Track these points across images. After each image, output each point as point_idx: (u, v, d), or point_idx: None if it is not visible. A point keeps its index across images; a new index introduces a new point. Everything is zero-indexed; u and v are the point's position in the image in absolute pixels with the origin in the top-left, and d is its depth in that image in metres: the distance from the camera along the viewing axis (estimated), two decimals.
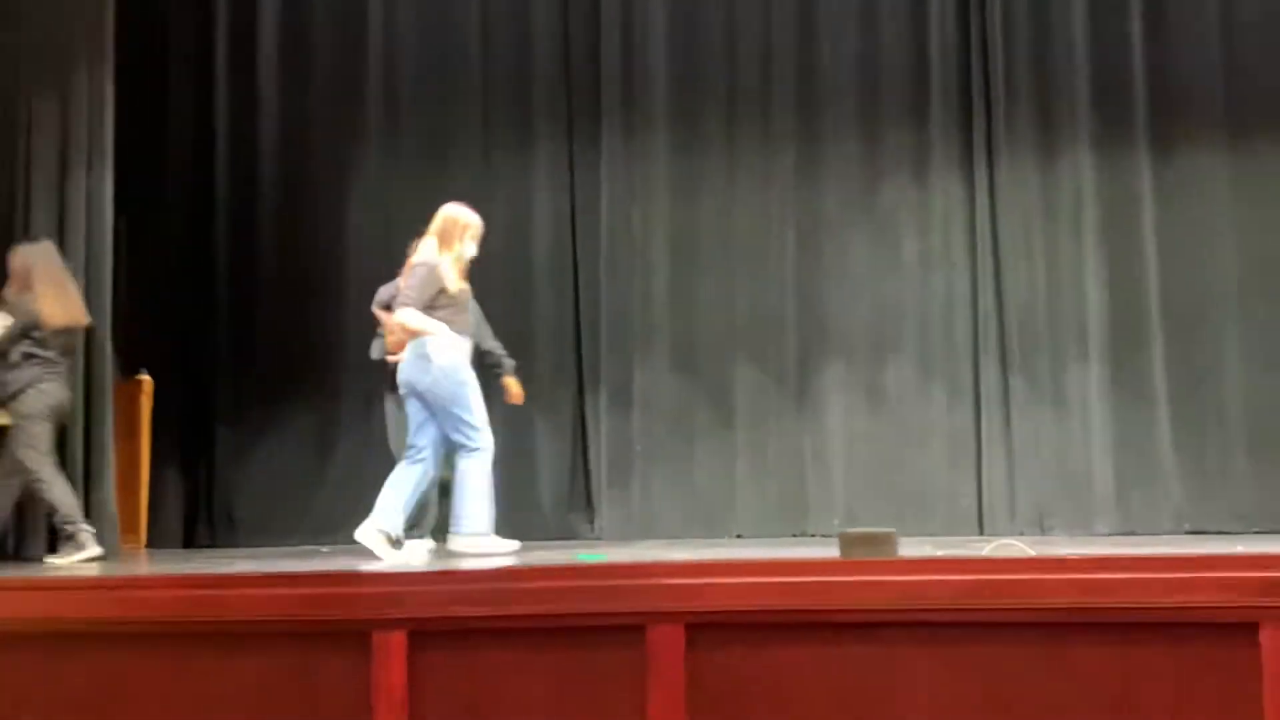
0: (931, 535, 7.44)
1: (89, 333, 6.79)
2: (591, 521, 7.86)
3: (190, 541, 7.87)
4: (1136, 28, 7.82)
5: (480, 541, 6.02)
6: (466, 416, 5.96)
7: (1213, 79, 7.79)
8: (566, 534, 7.68)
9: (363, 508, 7.66)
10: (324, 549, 7.13)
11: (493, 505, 6.08)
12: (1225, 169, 7.74)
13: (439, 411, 5.98)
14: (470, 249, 6.18)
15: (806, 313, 7.98)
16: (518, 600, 4.22)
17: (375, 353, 6.74)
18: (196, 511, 7.96)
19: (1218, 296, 7.68)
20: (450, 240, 6.13)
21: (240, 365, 8.02)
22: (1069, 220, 7.84)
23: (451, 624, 4.20)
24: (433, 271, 6.02)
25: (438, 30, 8.20)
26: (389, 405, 6.71)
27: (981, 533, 7.60)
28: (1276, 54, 7.73)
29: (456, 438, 6.00)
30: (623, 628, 4.18)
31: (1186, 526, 7.46)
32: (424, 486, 6.13)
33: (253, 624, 4.25)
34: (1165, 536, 7.31)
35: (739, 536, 7.72)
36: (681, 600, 4.20)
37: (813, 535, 7.65)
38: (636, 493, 7.88)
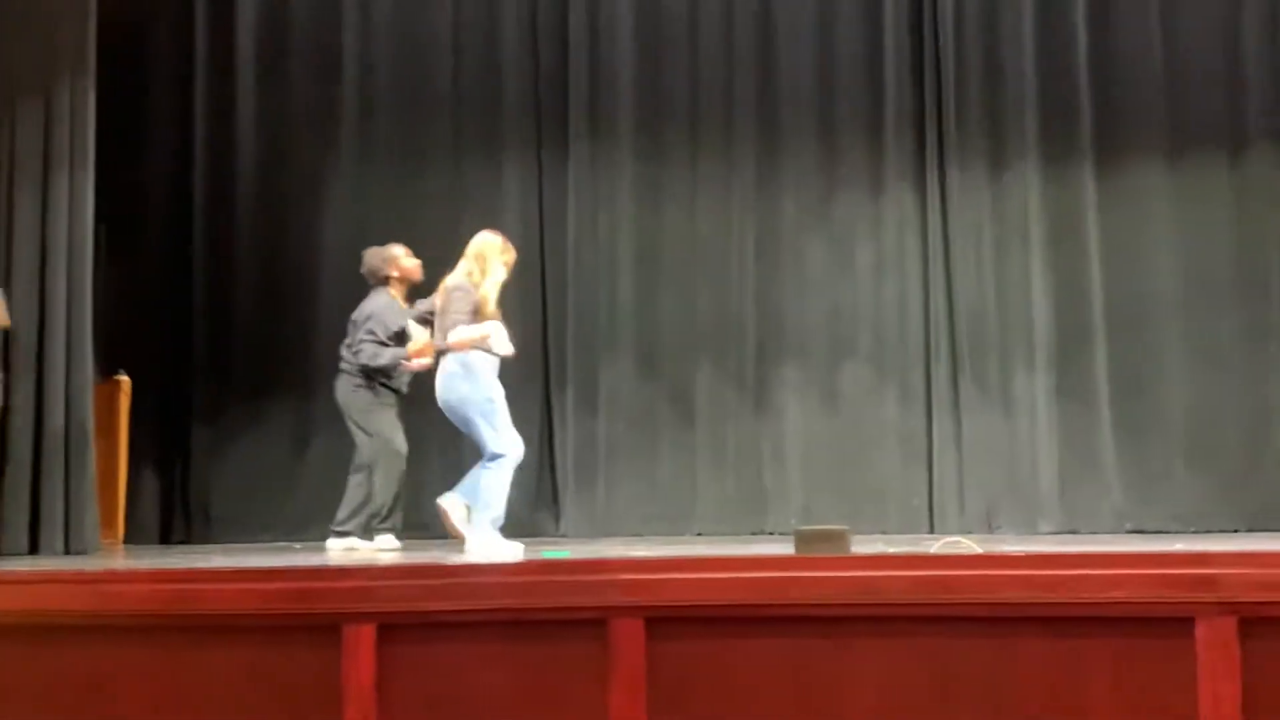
0: (884, 533, 7.50)
1: (70, 335, 6.76)
2: (557, 519, 7.87)
3: (167, 538, 7.83)
4: (1082, 47, 7.88)
5: (485, 543, 6.02)
6: (489, 429, 6.02)
7: (1154, 96, 7.85)
8: (534, 532, 7.68)
9: (338, 504, 7.69)
10: (297, 545, 7.12)
11: (502, 510, 6.09)
12: (1165, 182, 7.81)
13: (464, 420, 6.06)
14: (504, 273, 6.28)
15: (765, 317, 8.00)
16: (483, 595, 4.22)
17: (385, 359, 6.66)
18: (173, 508, 7.91)
19: (1158, 304, 7.74)
20: (489, 264, 6.22)
21: (217, 366, 7.98)
22: (1017, 230, 7.90)
23: (419, 618, 4.19)
24: (477, 295, 6.13)
25: (411, 42, 8.19)
26: (384, 413, 6.63)
27: (932, 530, 7.64)
28: (1214, 74, 7.81)
29: (481, 444, 6.08)
30: (585, 621, 4.18)
31: (1127, 526, 7.51)
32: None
33: (226, 618, 4.23)
34: (1107, 535, 7.36)
35: (699, 534, 7.73)
36: (642, 595, 4.20)
37: (771, 533, 7.67)
38: (601, 491, 7.89)
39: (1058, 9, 7.92)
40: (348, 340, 6.72)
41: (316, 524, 7.66)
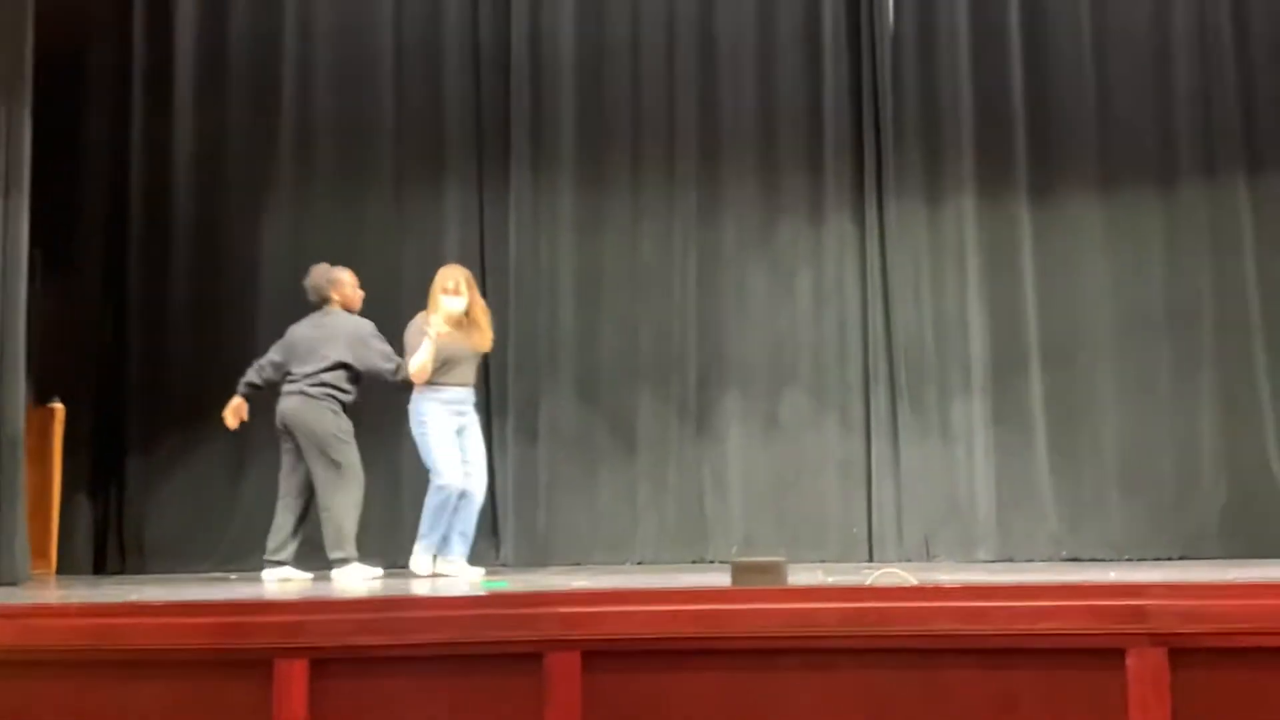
0: (824, 561, 7.52)
1: (2, 360, 6.64)
2: (497, 548, 7.81)
3: (100, 568, 7.70)
4: (1018, 81, 7.97)
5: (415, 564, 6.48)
6: (425, 457, 6.53)
7: (1087, 130, 7.95)
8: (473, 561, 7.59)
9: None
10: (232, 576, 7.04)
11: (435, 537, 6.58)
12: (1099, 214, 7.90)
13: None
14: (446, 303, 6.67)
15: (706, 345, 8.01)
16: (418, 629, 4.18)
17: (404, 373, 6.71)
18: (107, 538, 7.79)
19: (1092, 334, 7.83)
20: (432, 299, 6.72)
21: (152, 393, 7.88)
22: (954, 259, 7.97)
23: (353, 652, 4.15)
24: (428, 330, 6.55)
25: (351, 68, 8.15)
26: (352, 441, 6.64)
27: (871, 558, 7.66)
28: (1145, 108, 7.93)
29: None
30: (521, 655, 4.16)
31: (1063, 553, 7.57)
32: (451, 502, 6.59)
33: (155, 653, 4.16)
34: (1042, 563, 7.42)
35: (640, 563, 7.71)
36: (578, 628, 4.19)
37: (711, 561, 7.66)
38: (541, 519, 7.85)
39: (994, 44, 8.02)
40: (310, 369, 6.57)
41: (254, 554, 7.55)
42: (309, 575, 6.52)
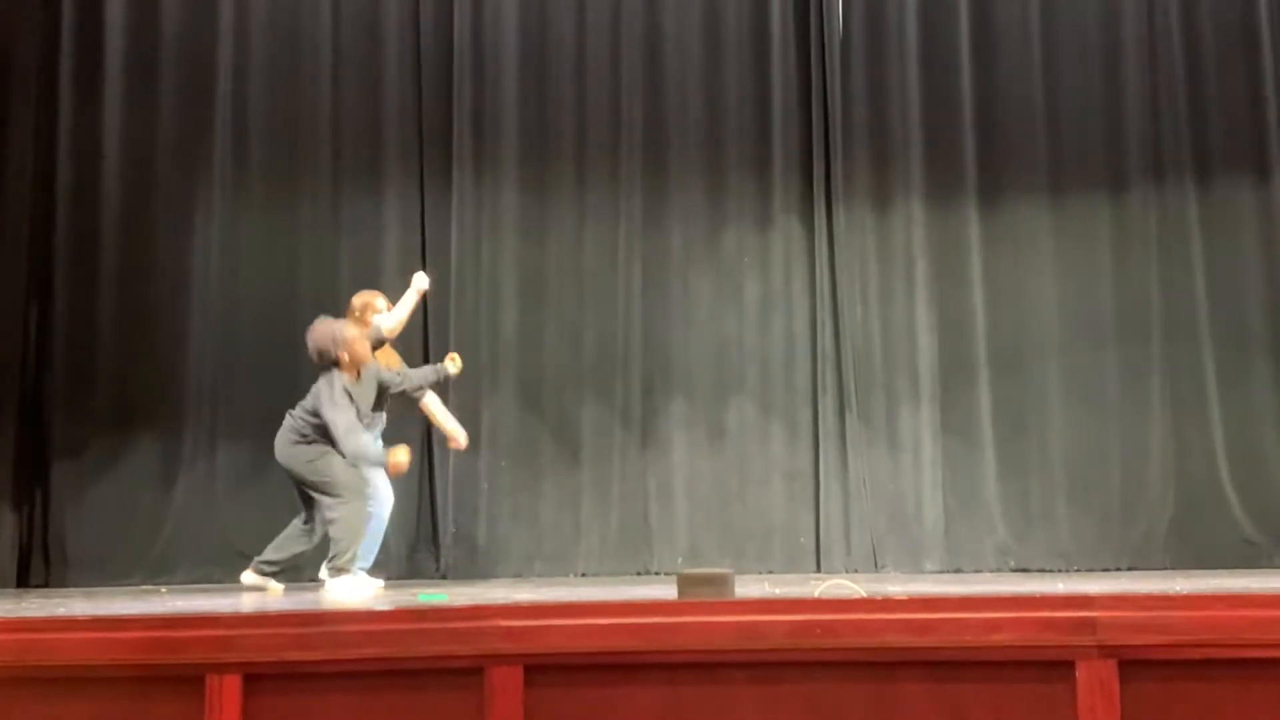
0: (771, 572, 7.56)
1: None
2: (438, 560, 7.76)
3: (25, 581, 7.57)
4: (966, 87, 8.05)
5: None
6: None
7: (1037, 135, 8.04)
8: (413, 573, 7.59)
9: (205, 545, 7.54)
10: (163, 589, 6.96)
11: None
12: (1047, 220, 7.98)
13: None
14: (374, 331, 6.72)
15: (651, 352, 8.02)
16: (354, 643, 4.13)
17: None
18: (31, 550, 7.65)
19: (1041, 342, 7.91)
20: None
21: (79, 400, 7.76)
22: (902, 265, 8.02)
23: (287, 668, 4.09)
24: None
25: (288, 65, 8.08)
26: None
27: (819, 569, 7.69)
28: (1094, 113, 8.02)
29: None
30: (461, 670, 4.11)
31: (1011, 564, 7.64)
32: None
33: (81, 669, 4.08)
34: (990, 574, 7.49)
35: (584, 574, 7.70)
36: (520, 642, 4.15)
37: (657, 573, 7.67)
38: (483, 530, 7.81)
39: (942, 48, 8.09)
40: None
41: (184, 566, 7.54)
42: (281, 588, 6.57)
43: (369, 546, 6.72)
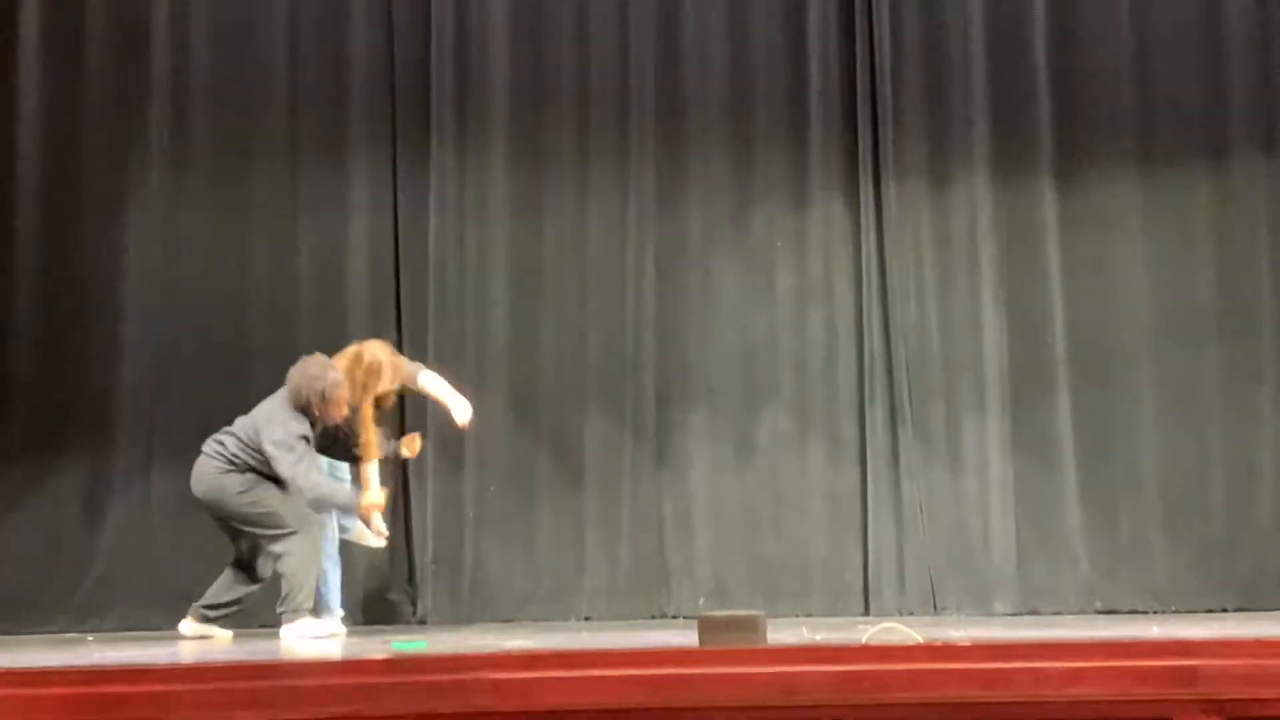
0: (810, 615, 7.58)
1: None
2: (414, 602, 7.77)
3: None
4: (1040, 36, 8.03)
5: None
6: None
7: (1125, 96, 8.01)
8: (384, 618, 7.59)
9: (140, 586, 7.54)
10: (90, 638, 6.97)
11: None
12: (1137, 197, 7.96)
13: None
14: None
15: (667, 355, 8.02)
16: (315, 700, 4.15)
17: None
18: None
19: (1131, 342, 7.88)
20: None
21: None
22: (964, 252, 8.01)
23: None
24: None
25: (235, 19, 8.10)
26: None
27: (867, 611, 7.69)
28: (1193, 71, 7.99)
29: None
30: None
31: (1096, 604, 7.62)
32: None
33: None
34: (1072, 616, 7.47)
35: (588, 619, 7.71)
36: (512, 699, 4.19)
37: (674, 616, 7.67)
38: (468, 567, 7.82)
39: None
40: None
41: (115, 610, 7.54)
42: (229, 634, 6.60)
43: (333, 582, 6.79)
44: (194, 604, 6.65)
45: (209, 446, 6.60)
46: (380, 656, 4.78)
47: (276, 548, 6.46)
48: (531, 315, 8.04)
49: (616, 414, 7.99)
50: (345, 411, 6.66)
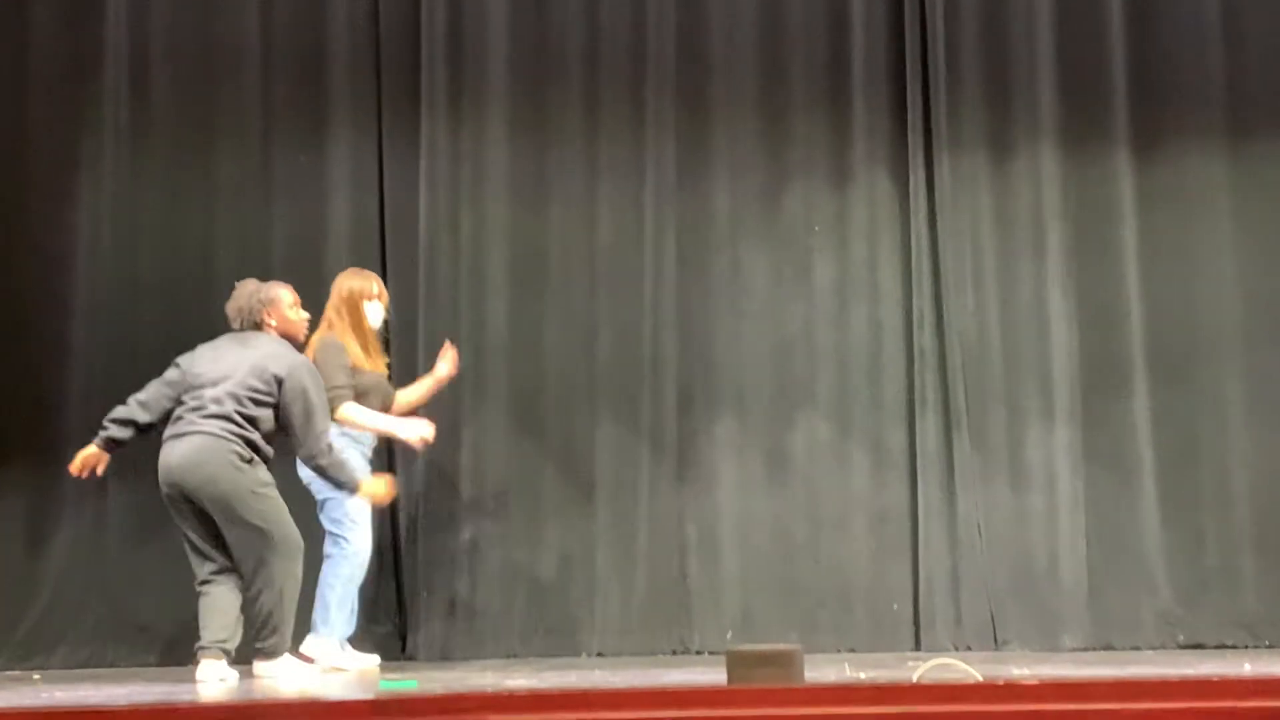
0: (853, 650, 7.58)
1: None
2: (403, 636, 7.80)
3: None
4: None
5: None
6: (333, 514, 7.01)
7: (1212, 57, 8.02)
8: (371, 652, 7.60)
9: (92, 616, 7.57)
10: (36, 676, 7.00)
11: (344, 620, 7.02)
12: (1224, 173, 7.95)
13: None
14: (371, 314, 7.21)
15: (689, 353, 8.04)
16: None
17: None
18: None
19: (1217, 338, 7.88)
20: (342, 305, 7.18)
21: None
22: (1028, 236, 8.01)
23: None
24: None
25: None
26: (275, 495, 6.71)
27: (918, 646, 7.70)
28: None
29: None
30: None
31: (1179, 638, 7.62)
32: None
33: None
34: (1151, 651, 7.47)
35: (600, 654, 7.72)
36: None
37: (698, 651, 7.70)
38: (463, 596, 7.84)
39: None
40: (204, 399, 6.49)
41: (65, 644, 7.57)
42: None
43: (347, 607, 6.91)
44: (211, 639, 6.46)
45: (211, 424, 6.44)
46: (366, 697, 4.80)
47: (268, 570, 6.41)
48: (534, 309, 8.06)
49: (631, 421, 8.00)
50: (297, 303, 6.82)
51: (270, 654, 6.43)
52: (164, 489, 6.49)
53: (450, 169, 8.10)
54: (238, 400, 6.47)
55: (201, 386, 6.53)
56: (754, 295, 8.08)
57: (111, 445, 6.61)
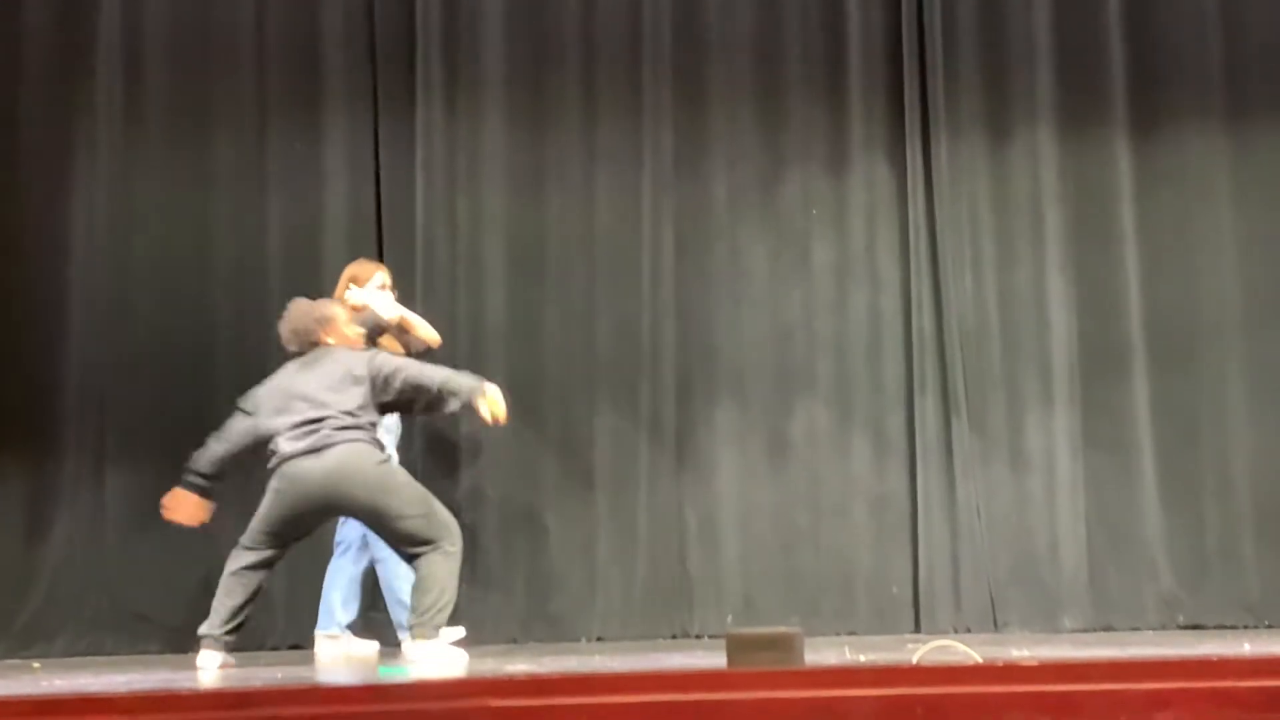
0: (853, 633, 7.60)
1: None
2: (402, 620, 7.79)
3: None
4: None
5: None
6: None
7: (1212, 38, 8.02)
8: (369, 639, 7.61)
9: (91, 605, 7.58)
10: (36, 664, 7.01)
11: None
12: (1224, 156, 7.97)
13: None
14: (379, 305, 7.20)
15: (688, 340, 8.05)
16: None
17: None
18: None
19: (1217, 322, 7.90)
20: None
21: None
22: (1027, 220, 8.03)
23: None
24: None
25: None
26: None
27: (917, 628, 7.73)
28: None
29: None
30: None
31: (1179, 619, 7.65)
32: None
33: None
34: (1152, 633, 7.49)
35: (600, 639, 7.74)
36: None
37: (698, 636, 7.72)
38: (463, 582, 7.81)
39: None
40: (310, 416, 6.50)
41: (64, 633, 7.58)
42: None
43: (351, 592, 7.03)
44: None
45: (346, 435, 6.46)
46: (366, 683, 4.82)
47: (435, 551, 6.47)
48: (533, 296, 8.06)
49: (631, 409, 8.01)
50: (355, 333, 6.85)
51: (427, 634, 6.41)
52: (298, 502, 6.46)
53: (447, 156, 8.09)
54: (350, 413, 6.51)
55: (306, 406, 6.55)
56: (752, 281, 8.09)
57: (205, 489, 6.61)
